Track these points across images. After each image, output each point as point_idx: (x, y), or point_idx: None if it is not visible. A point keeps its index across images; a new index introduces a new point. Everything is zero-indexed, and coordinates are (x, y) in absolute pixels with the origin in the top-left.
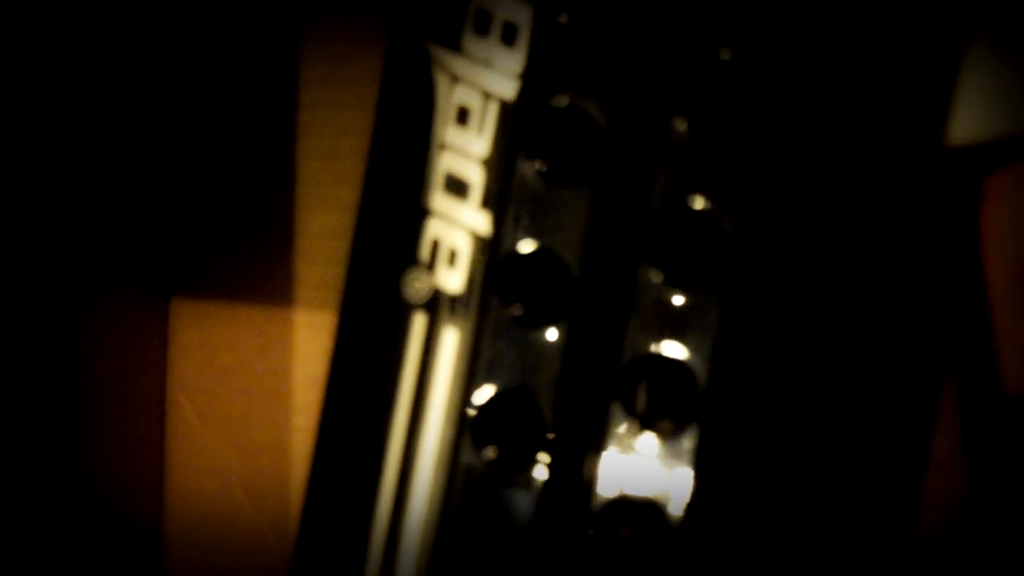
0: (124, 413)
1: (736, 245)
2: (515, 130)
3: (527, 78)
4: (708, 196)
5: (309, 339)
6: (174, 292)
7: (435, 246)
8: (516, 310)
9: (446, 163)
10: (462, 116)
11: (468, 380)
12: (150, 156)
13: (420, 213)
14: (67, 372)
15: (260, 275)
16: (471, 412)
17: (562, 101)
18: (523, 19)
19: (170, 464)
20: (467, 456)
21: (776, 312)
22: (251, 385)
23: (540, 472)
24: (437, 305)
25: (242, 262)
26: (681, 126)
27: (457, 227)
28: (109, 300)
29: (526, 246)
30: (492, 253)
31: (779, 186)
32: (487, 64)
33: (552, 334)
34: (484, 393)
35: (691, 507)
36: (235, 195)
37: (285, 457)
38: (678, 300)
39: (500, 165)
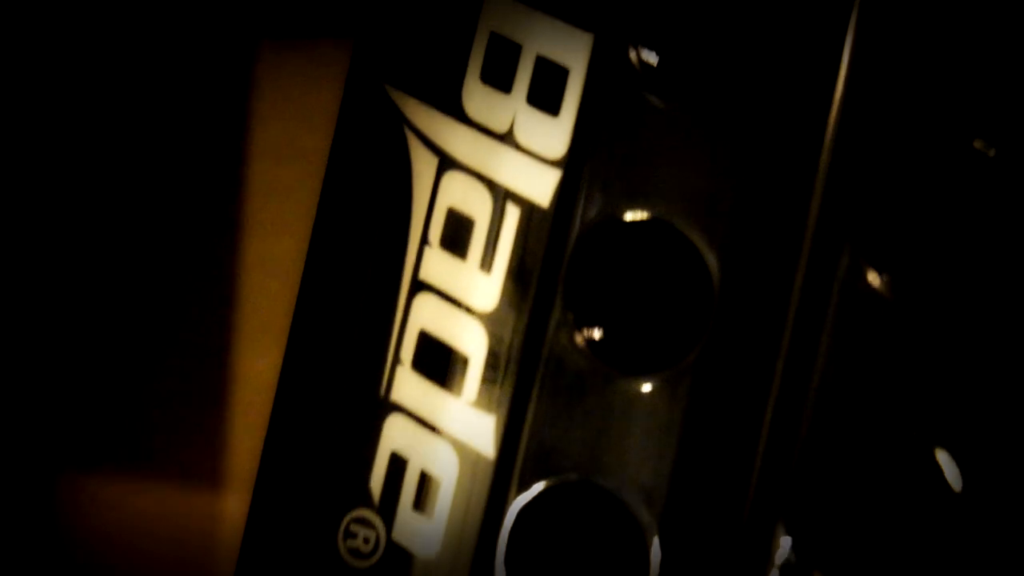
0: None
1: None
2: (549, 263)
3: (569, 167)
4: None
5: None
6: (59, 468)
7: (395, 466)
8: None
9: (422, 318)
10: (455, 232)
11: None
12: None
13: (376, 408)
14: None
15: (178, 440)
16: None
17: (642, 214)
18: (577, 59)
19: None
20: None
21: None
22: None
23: None
24: (396, 569)
25: (154, 423)
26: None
27: (438, 437)
28: None
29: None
30: (497, 487)
31: None
32: (505, 137)
33: None
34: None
35: None
36: (150, 328)
37: None
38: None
39: (518, 328)
